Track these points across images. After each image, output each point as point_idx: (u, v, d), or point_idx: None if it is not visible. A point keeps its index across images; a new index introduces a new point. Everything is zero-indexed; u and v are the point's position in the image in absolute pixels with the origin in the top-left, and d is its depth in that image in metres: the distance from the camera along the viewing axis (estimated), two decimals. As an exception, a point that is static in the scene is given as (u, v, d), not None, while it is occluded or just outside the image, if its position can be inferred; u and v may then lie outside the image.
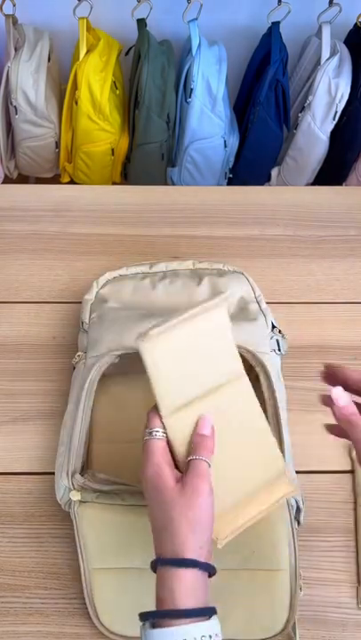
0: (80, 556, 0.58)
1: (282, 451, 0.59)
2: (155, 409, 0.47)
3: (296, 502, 0.59)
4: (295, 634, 0.58)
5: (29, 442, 0.72)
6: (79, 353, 0.70)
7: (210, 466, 0.45)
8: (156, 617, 0.40)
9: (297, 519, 0.59)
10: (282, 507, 0.57)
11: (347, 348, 0.81)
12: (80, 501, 0.58)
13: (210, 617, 0.40)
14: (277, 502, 0.49)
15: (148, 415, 0.47)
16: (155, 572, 0.42)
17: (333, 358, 0.80)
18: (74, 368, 0.70)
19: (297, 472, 0.63)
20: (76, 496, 0.58)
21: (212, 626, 0.40)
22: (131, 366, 0.73)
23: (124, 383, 0.71)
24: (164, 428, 0.46)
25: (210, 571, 0.42)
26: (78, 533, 0.58)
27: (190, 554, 0.41)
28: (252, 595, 0.56)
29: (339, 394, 0.47)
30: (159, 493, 0.43)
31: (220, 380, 0.49)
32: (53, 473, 0.63)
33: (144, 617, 0.41)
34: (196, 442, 0.45)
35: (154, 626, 0.40)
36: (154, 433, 0.46)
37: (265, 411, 0.62)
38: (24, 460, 0.70)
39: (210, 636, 0.39)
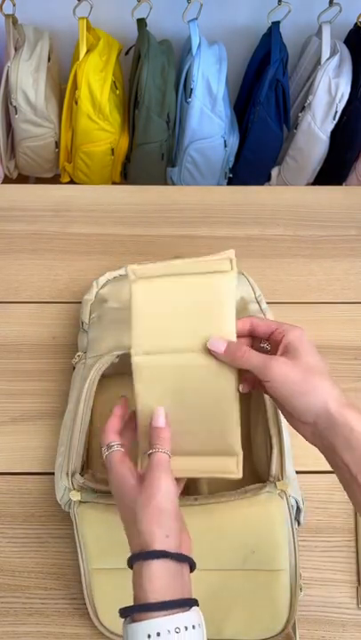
0: (80, 556, 0.58)
1: (281, 452, 0.59)
2: (107, 425, 0.49)
3: (296, 502, 0.59)
4: (295, 634, 0.58)
5: (29, 442, 0.72)
6: (79, 353, 0.70)
7: (169, 456, 0.46)
8: (133, 612, 0.40)
9: (297, 519, 0.59)
10: (282, 507, 0.57)
11: (347, 348, 0.81)
12: (80, 501, 0.58)
13: (189, 608, 0.40)
14: (220, 474, 0.50)
15: (101, 431, 0.49)
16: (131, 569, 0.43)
17: (333, 358, 0.80)
18: (74, 368, 0.70)
19: (297, 472, 0.63)
20: (75, 496, 0.58)
21: (189, 617, 0.39)
22: (131, 366, 0.73)
23: (124, 383, 0.71)
24: (120, 440, 0.48)
25: (184, 560, 0.42)
26: (78, 533, 0.58)
27: (158, 545, 0.41)
28: (253, 595, 0.56)
29: (214, 341, 0.47)
30: (123, 495, 0.44)
31: (202, 345, 0.48)
32: (53, 473, 0.63)
33: (124, 612, 0.41)
34: (152, 435, 0.47)
35: (133, 621, 0.40)
36: (112, 446, 0.48)
37: (265, 411, 0.62)
38: (24, 460, 0.70)
39: (186, 628, 0.38)
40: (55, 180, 1.53)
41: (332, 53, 1.30)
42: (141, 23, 1.29)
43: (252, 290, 0.76)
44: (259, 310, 0.73)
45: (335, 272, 0.90)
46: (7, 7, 1.26)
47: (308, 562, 0.63)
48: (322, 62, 1.29)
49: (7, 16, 1.28)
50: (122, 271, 0.78)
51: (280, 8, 1.23)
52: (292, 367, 0.45)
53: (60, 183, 1.50)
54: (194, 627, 0.38)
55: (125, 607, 0.40)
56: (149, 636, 0.37)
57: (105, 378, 0.66)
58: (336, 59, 1.29)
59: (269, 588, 0.57)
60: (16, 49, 1.31)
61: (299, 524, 0.59)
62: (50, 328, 0.82)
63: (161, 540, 0.41)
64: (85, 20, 1.25)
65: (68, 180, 1.51)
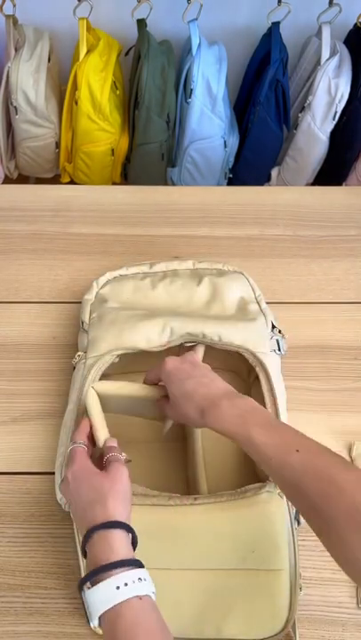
0: (79, 553, 0.58)
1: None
2: (80, 426, 0.58)
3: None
4: (295, 633, 0.58)
5: (29, 442, 0.72)
6: (79, 353, 0.70)
7: (122, 457, 0.55)
8: (100, 572, 0.45)
9: (297, 519, 0.59)
10: (282, 506, 0.57)
11: (347, 348, 0.81)
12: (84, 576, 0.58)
13: (140, 566, 0.46)
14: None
15: (75, 429, 0.59)
16: (84, 546, 0.48)
17: (333, 358, 0.80)
18: (74, 368, 0.70)
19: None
20: None
21: (144, 571, 0.46)
22: (131, 366, 0.73)
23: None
24: (86, 441, 0.57)
25: (134, 535, 0.49)
26: (78, 534, 0.58)
27: (120, 518, 0.48)
28: (253, 594, 0.56)
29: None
30: (89, 477, 0.51)
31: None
32: (53, 473, 0.63)
33: (97, 571, 0.45)
34: (107, 449, 0.56)
35: (97, 581, 0.45)
36: (80, 443, 0.56)
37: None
38: (24, 460, 0.70)
39: (145, 579, 0.45)
40: (55, 180, 1.53)
41: (332, 54, 1.30)
42: (141, 23, 1.29)
43: (252, 290, 0.76)
44: (259, 310, 0.73)
45: (335, 272, 0.90)
46: (7, 8, 1.26)
47: (307, 562, 0.63)
48: (322, 63, 1.30)
49: (7, 16, 1.28)
50: (122, 271, 0.78)
51: (280, 8, 1.24)
52: (182, 362, 0.60)
53: (61, 183, 1.50)
54: (147, 579, 0.45)
55: (84, 576, 0.46)
56: (118, 588, 0.43)
57: (105, 377, 0.66)
58: (336, 59, 1.29)
59: (269, 587, 0.57)
60: (16, 49, 1.31)
61: (298, 523, 0.59)
62: (50, 328, 0.82)
63: (123, 517, 0.48)
64: (85, 21, 1.25)
65: (68, 180, 1.51)
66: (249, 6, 1.34)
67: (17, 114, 1.34)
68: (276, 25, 1.27)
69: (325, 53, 1.29)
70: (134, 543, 0.49)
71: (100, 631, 0.53)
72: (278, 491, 0.58)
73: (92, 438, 0.58)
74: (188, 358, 0.60)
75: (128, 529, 0.48)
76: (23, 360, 0.79)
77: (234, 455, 0.70)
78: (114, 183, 1.52)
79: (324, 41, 1.29)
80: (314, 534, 0.65)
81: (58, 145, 1.44)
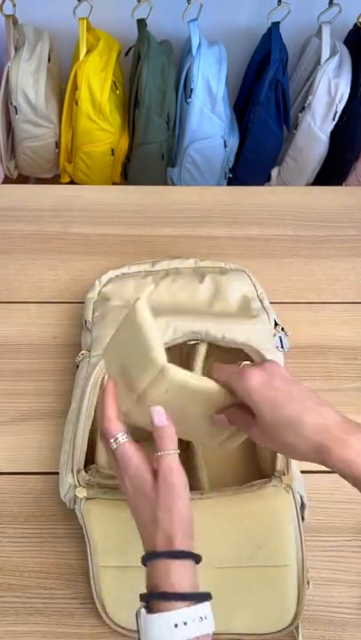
0: (88, 552, 0.58)
1: None
2: (106, 411, 0.48)
3: (301, 498, 0.59)
4: (298, 633, 0.58)
5: (29, 442, 0.72)
6: (83, 351, 0.70)
7: (178, 453, 0.46)
8: (158, 598, 0.41)
9: (301, 515, 0.59)
10: (288, 501, 0.58)
11: (347, 348, 0.81)
12: (86, 498, 0.58)
13: (205, 600, 0.42)
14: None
15: (103, 426, 0.48)
16: (145, 565, 0.44)
17: (333, 358, 0.80)
18: (77, 366, 0.70)
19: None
20: (82, 493, 0.58)
21: (206, 607, 0.42)
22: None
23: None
24: (124, 427, 0.47)
25: (198, 561, 0.44)
26: (86, 531, 0.58)
27: (180, 546, 0.43)
28: (260, 591, 0.56)
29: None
30: (142, 493, 0.45)
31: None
32: (54, 472, 0.64)
33: (144, 597, 0.42)
34: (157, 436, 0.46)
35: (150, 611, 0.41)
36: (120, 439, 0.47)
37: None
38: (24, 460, 0.70)
39: (206, 617, 0.41)
40: (55, 180, 1.53)
41: (332, 54, 1.30)
42: (141, 23, 1.29)
43: (255, 288, 0.76)
44: (261, 308, 0.73)
45: (335, 272, 0.90)
46: (7, 7, 1.26)
47: (308, 562, 0.63)
48: (322, 62, 1.30)
49: (7, 16, 1.28)
50: (124, 269, 0.78)
51: (280, 8, 1.24)
52: (271, 376, 0.46)
53: (61, 183, 1.50)
54: (209, 616, 0.41)
55: (147, 593, 0.42)
56: (176, 625, 0.39)
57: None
58: (336, 59, 1.29)
59: (277, 583, 0.57)
60: (16, 49, 1.31)
61: (303, 519, 0.59)
62: (50, 328, 0.82)
63: (182, 541, 0.43)
64: (85, 21, 1.25)
65: (68, 180, 1.51)
66: (249, 6, 1.34)
67: (17, 114, 1.34)
68: (276, 25, 1.27)
69: (325, 53, 1.29)
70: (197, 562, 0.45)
71: None
72: (284, 485, 0.58)
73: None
74: (277, 371, 0.47)
75: (190, 556, 0.43)
76: (23, 360, 0.79)
77: (235, 452, 0.69)
78: (114, 183, 1.52)
79: (324, 41, 1.29)
80: (314, 534, 0.65)
81: (58, 145, 1.44)
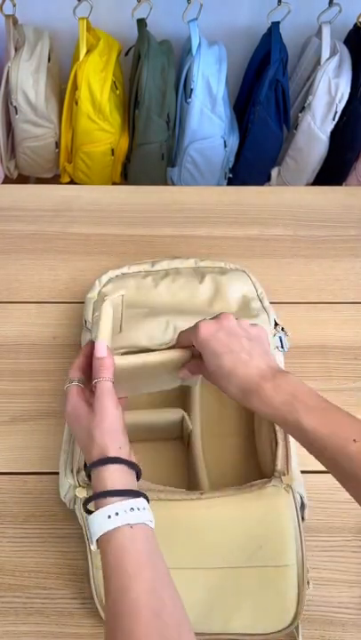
0: (88, 553, 0.58)
1: (287, 447, 0.60)
2: (73, 363, 0.56)
3: (301, 498, 0.59)
4: (298, 633, 0.58)
5: (29, 442, 0.72)
6: None
7: (112, 381, 0.52)
8: (97, 498, 0.47)
9: (302, 515, 0.59)
10: (288, 501, 0.58)
11: (347, 348, 0.81)
12: (85, 498, 0.58)
13: (139, 496, 0.47)
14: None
15: (70, 368, 0.56)
16: (89, 480, 0.49)
17: (333, 358, 0.80)
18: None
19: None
20: (81, 493, 0.58)
21: (140, 501, 0.47)
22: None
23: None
24: (81, 376, 0.55)
25: (133, 467, 0.49)
26: (86, 530, 0.58)
27: (113, 453, 0.48)
28: (260, 591, 0.56)
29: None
30: (79, 420, 0.51)
31: None
32: (53, 473, 0.63)
33: (88, 501, 0.48)
34: (95, 365, 0.53)
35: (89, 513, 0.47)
36: (73, 381, 0.54)
37: None
38: (24, 460, 0.70)
39: (138, 509, 0.46)
40: (55, 180, 1.53)
41: (332, 54, 1.30)
42: (141, 23, 1.29)
43: (254, 287, 0.76)
44: (261, 308, 0.73)
45: (335, 272, 0.90)
46: (7, 7, 1.27)
47: (307, 562, 0.63)
48: (322, 62, 1.30)
49: (7, 16, 1.28)
50: (124, 269, 0.78)
51: (280, 8, 1.24)
52: (218, 329, 0.54)
53: (61, 183, 1.50)
54: (145, 508, 0.46)
55: (88, 497, 0.48)
56: (109, 517, 0.45)
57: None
58: (336, 59, 1.29)
59: (277, 583, 0.56)
60: (16, 49, 1.31)
61: (303, 519, 0.59)
62: (50, 328, 0.82)
63: (115, 450, 0.48)
64: (85, 21, 1.25)
65: (68, 180, 1.51)
66: (249, 6, 1.34)
67: (17, 114, 1.34)
68: (276, 25, 1.27)
69: (325, 53, 1.29)
70: (138, 475, 0.50)
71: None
72: (284, 485, 0.58)
73: (89, 370, 0.55)
74: (225, 324, 0.54)
75: (122, 461, 0.48)
76: (23, 360, 0.79)
77: (234, 453, 0.70)
78: (114, 183, 1.52)
79: (324, 41, 1.29)
80: (314, 534, 0.65)
81: (58, 145, 1.44)
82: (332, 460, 0.46)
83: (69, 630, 0.60)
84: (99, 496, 0.46)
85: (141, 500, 0.47)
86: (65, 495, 0.60)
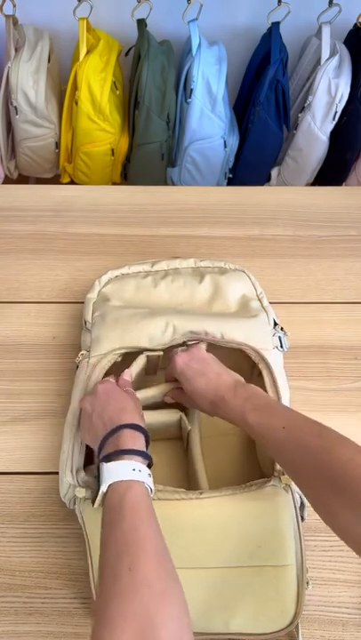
0: (88, 553, 0.58)
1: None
2: (123, 374, 0.65)
3: (301, 498, 0.59)
4: (298, 633, 0.58)
5: (29, 442, 0.72)
6: (82, 352, 0.70)
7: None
8: (124, 453, 0.52)
9: (301, 515, 0.59)
10: (287, 500, 0.58)
11: (347, 348, 0.81)
12: (85, 498, 0.58)
13: (150, 465, 0.54)
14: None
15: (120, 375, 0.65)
16: (107, 438, 0.54)
17: (333, 358, 0.80)
18: (77, 367, 0.70)
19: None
20: (81, 493, 0.58)
21: (149, 470, 0.53)
22: (150, 371, 0.73)
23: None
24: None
25: (148, 439, 0.56)
26: (86, 531, 0.58)
27: (141, 423, 0.56)
28: (260, 591, 0.56)
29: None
30: (119, 393, 0.60)
31: None
32: (53, 472, 0.63)
33: (107, 456, 0.52)
34: (122, 380, 0.64)
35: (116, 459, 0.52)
36: (109, 380, 0.64)
37: None
38: (24, 460, 0.70)
39: (149, 475, 0.52)
40: (55, 180, 1.53)
41: (332, 54, 1.30)
42: (141, 24, 1.29)
43: (254, 287, 0.76)
44: (260, 308, 0.73)
45: (335, 272, 0.90)
46: (7, 8, 1.27)
47: (307, 561, 0.63)
48: (322, 63, 1.30)
49: (7, 17, 1.28)
50: (124, 269, 0.78)
51: (280, 8, 1.24)
52: (190, 358, 0.64)
53: (61, 183, 1.50)
54: (150, 476, 0.52)
55: (125, 449, 0.52)
56: (134, 469, 0.50)
57: (107, 375, 0.66)
58: (336, 59, 1.29)
59: (276, 583, 0.57)
60: (16, 50, 1.31)
61: (303, 519, 0.59)
62: (50, 328, 0.82)
63: (142, 424, 0.56)
64: (85, 21, 1.25)
65: (68, 180, 1.51)
66: (249, 6, 1.34)
67: (17, 114, 1.34)
68: (276, 25, 1.27)
69: (325, 53, 1.29)
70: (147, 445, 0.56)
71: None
72: (283, 485, 0.58)
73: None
74: (196, 354, 0.65)
75: (146, 434, 0.55)
76: (23, 360, 0.79)
77: (234, 452, 0.70)
78: (114, 183, 1.52)
79: (324, 41, 1.29)
80: (314, 534, 0.65)
81: (58, 145, 1.44)
82: (268, 446, 0.54)
83: (69, 630, 0.60)
84: (129, 452, 0.52)
85: (149, 471, 0.53)
86: (65, 495, 0.60)
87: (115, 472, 0.51)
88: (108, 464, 0.51)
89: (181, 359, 0.64)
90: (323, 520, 0.48)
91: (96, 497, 0.52)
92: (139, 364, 0.68)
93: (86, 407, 0.60)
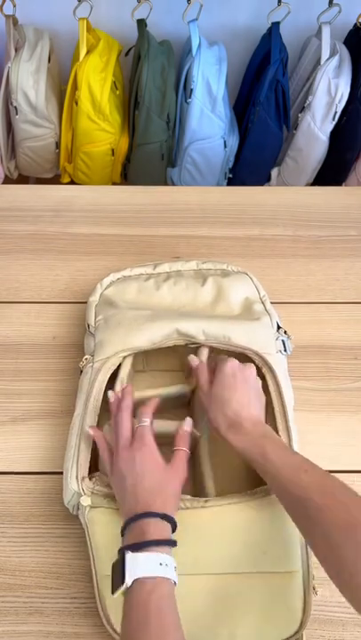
0: (92, 560, 0.58)
1: (290, 447, 0.60)
2: (149, 404, 0.63)
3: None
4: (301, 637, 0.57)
5: (29, 442, 0.72)
6: (86, 356, 0.70)
7: (189, 453, 0.60)
8: (152, 544, 0.50)
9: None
10: None
11: (347, 348, 0.81)
12: (90, 506, 0.58)
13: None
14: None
15: (144, 405, 0.63)
16: (132, 520, 0.53)
17: (333, 358, 0.80)
18: (81, 372, 0.70)
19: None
20: (86, 501, 0.57)
21: (173, 561, 0.51)
22: (137, 367, 0.73)
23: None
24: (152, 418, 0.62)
25: (174, 529, 0.55)
26: (90, 538, 0.58)
27: (172, 514, 0.54)
28: (266, 598, 0.56)
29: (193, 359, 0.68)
30: (157, 467, 0.57)
31: None
32: (54, 473, 0.63)
33: (135, 546, 0.50)
34: (178, 435, 0.61)
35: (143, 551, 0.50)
36: (146, 421, 0.60)
37: (272, 411, 0.63)
38: (24, 460, 0.70)
39: (175, 567, 0.50)
40: (55, 180, 1.53)
41: (332, 54, 1.30)
42: (141, 24, 1.29)
43: (257, 290, 0.76)
44: (263, 310, 0.73)
45: (335, 272, 0.90)
46: (7, 8, 1.27)
47: (313, 568, 0.63)
48: (322, 63, 1.30)
49: (7, 17, 1.28)
50: (126, 272, 0.78)
51: (280, 8, 1.24)
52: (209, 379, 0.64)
53: (61, 183, 1.50)
54: (176, 569, 0.51)
55: (154, 540, 0.51)
56: (161, 564, 0.49)
57: (112, 380, 0.66)
58: (336, 59, 1.29)
59: (283, 590, 0.56)
60: (16, 50, 1.31)
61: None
62: (50, 328, 0.82)
63: (173, 512, 0.54)
64: (85, 21, 1.25)
65: (68, 180, 1.51)
66: (249, 6, 1.34)
67: (17, 114, 1.34)
68: (276, 25, 1.27)
69: (325, 53, 1.29)
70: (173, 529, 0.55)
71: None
72: None
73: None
74: (247, 373, 0.63)
75: (174, 522, 0.54)
76: (23, 360, 0.79)
77: (241, 459, 0.69)
78: (114, 183, 1.52)
79: (324, 41, 1.29)
80: (314, 534, 0.65)
81: (58, 145, 1.44)
82: (285, 484, 0.53)
83: (69, 630, 0.60)
84: (157, 543, 0.50)
85: (173, 561, 0.51)
86: (68, 502, 0.60)
87: (142, 565, 0.49)
88: (136, 554, 0.49)
89: (232, 366, 0.63)
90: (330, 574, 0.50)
91: (114, 582, 0.50)
92: (126, 364, 0.67)
93: (120, 467, 0.57)
